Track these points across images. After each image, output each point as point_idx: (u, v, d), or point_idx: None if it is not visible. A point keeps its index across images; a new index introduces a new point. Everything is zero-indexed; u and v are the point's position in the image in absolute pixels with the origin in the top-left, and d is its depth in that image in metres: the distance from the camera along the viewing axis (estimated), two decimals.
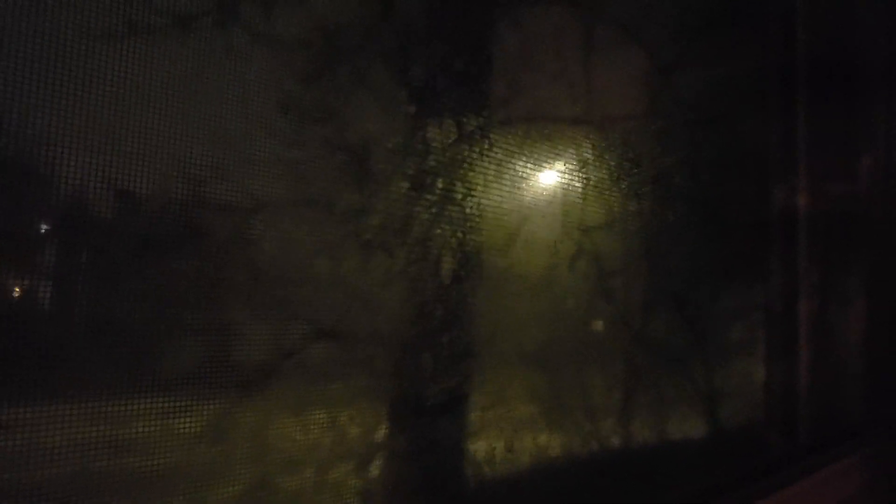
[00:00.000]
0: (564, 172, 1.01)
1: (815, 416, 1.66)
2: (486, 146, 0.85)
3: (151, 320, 0.63)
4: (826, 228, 1.82)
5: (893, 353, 1.84)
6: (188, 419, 0.66)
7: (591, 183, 1.05)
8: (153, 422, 0.64)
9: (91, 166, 0.59)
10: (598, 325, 1.16)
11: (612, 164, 1.09)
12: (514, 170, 0.92)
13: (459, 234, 0.80)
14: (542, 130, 0.97)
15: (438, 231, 0.78)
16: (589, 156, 1.05)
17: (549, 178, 0.99)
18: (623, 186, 1.11)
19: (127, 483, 0.62)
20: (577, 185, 1.02)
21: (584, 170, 1.04)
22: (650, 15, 1.30)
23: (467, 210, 0.83)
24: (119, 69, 0.59)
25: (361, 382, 0.77)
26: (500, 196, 0.89)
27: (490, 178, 0.87)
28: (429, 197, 0.77)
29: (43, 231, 0.58)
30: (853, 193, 2.00)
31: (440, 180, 0.80)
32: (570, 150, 1.03)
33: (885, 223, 2.02)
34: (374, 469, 0.78)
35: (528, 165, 0.94)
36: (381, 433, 0.78)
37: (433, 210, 0.78)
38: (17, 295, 0.57)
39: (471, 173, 0.84)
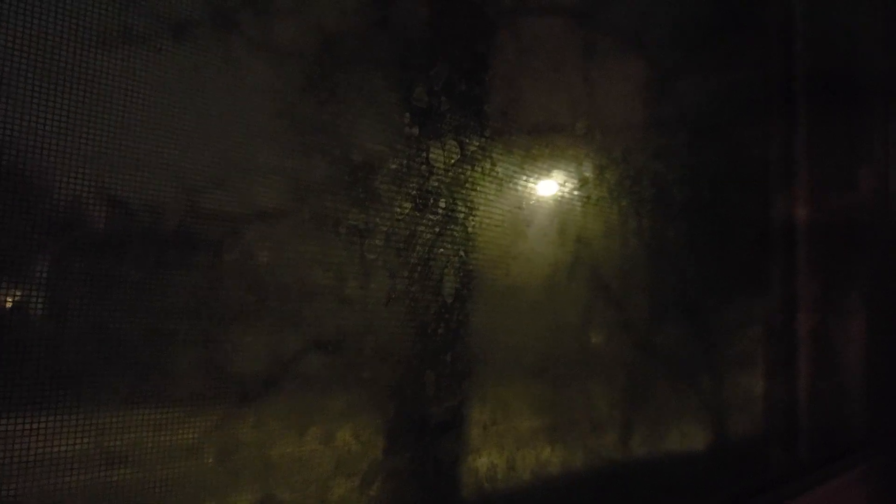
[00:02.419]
0: (564, 187, 1.02)
1: (815, 430, 1.67)
2: (487, 165, 0.86)
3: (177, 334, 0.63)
4: (826, 240, 1.83)
5: (894, 366, 1.84)
6: (193, 432, 0.66)
7: (592, 197, 1.06)
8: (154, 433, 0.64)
9: (89, 178, 0.59)
10: (599, 339, 1.17)
11: (612, 178, 1.10)
12: (515, 185, 0.92)
13: (462, 254, 0.81)
14: (541, 145, 0.98)
15: (441, 250, 0.79)
16: (588, 169, 1.06)
17: (550, 192, 1.00)
18: (623, 200, 1.12)
19: (123, 495, 0.62)
20: (577, 199, 1.03)
21: (583, 185, 1.05)
22: (649, 26, 1.31)
23: (468, 227, 0.84)
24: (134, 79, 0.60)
25: (362, 398, 0.77)
26: (500, 211, 0.90)
27: (490, 193, 0.88)
28: (431, 216, 0.78)
29: (38, 244, 0.58)
30: (853, 205, 2.00)
31: (441, 197, 0.81)
32: (570, 165, 1.04)
33: (884, 235, 2.02)
34: (376, 486, 0.78)
35: (528, 180, 0.95)
36: (382, 450, 0.79)
37: (436, 229, 0.78)
38: (8, 303, 0.57)
39: (470, 184, 0.85)
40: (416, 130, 0.76)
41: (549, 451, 1.03)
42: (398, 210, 0.74)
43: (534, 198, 0.95)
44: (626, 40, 1.26)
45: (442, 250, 0.78)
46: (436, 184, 0.77)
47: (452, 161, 0.80)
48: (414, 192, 0.75)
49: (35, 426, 0.55)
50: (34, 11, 0.54)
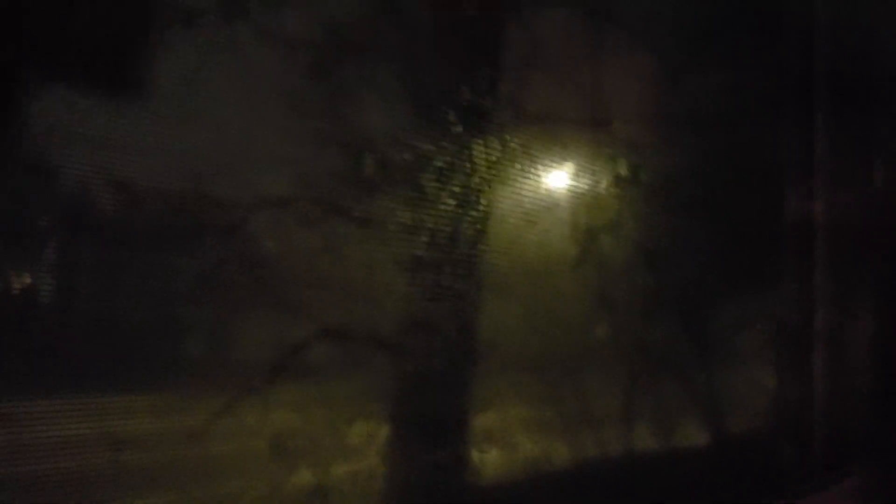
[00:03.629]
0: (600, 184, 1.02)
1: (830, 429, 1.67)
2: (526, 162, 0.86)
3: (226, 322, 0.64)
4: (842, 237, 1.82)
5: None
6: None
7: (628, 194, 1.05)
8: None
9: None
10: (618, 334, 1.17)
11: (646, 175, 1.10)
12: (551, 181, 0.92)
13: (502, 249, 0.81)
14: (577, 142, 0.98)
15: (483, 246, 0.79)
16: (624, 167, 1.06)
17: (587, 189, 1.00)
18: (655, 197, 1.12)
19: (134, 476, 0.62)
20: (613, 196, 1.03)
21: (618, 182, 1.04)
22: (663, 20, 1.30)
23: (508, 223, 0.84)
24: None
25: (373, 384, 0.78)
26: (538, 207, 0.90)
27: (528, 189, 0.88)
28: (473, 213, 0.78)
29: (48, 227, 0.58)
30: (870, 202, 2.00)
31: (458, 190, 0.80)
32: (606, 163, 1.03)
33: None
34: (400, 476, 0.79)
35: (564, 177, 0.95)
36: (416, 442, 0.79)
37: (478, 226, 0.79)
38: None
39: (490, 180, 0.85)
40: (460, 128, 0.76)
41: (557, 446, 1.03)
42: (443, 207, 0.74)
43: (569, 194, 0.95)
44: (640, 32, 1.25)
45: (483, 247, 0.79)
46: (478, 181, 0.77)
47: (494, 158, 0.80)
48: (458, 189, 0.75)
49: (44, 409, 0.56)
50: None
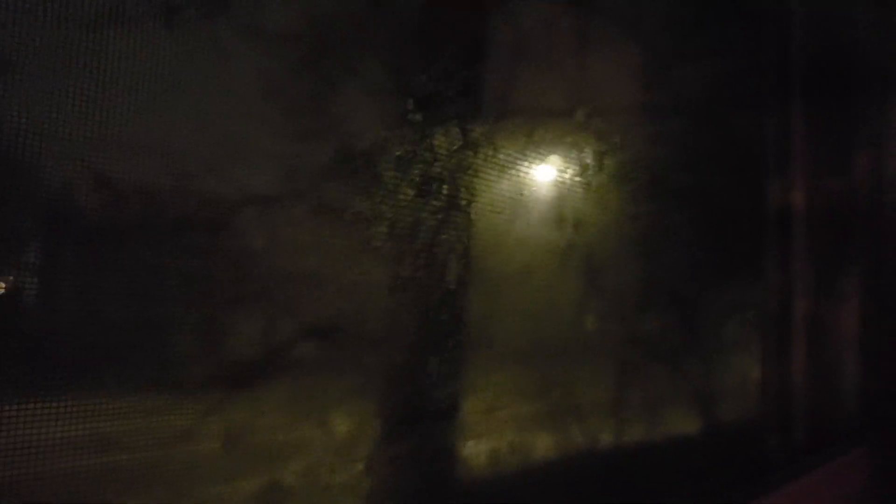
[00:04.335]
0: (564, 173, 1.02)
1: (810, 415, 1.68)
2: (489, 151, 0.85)
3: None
4: (821, 225, 1.83)
5: (889, 352, 1.86)
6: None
7: (592, 183, 1.05)
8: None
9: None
10: (592, 326, 1.17)
11: (611, 164, 1.10)
12: (516, 171, 0.92)
13: (464, 240, 0.81)
14: (542, 130, 0.98)
15: (444, 236, 0.79)
16: (588, 156, 1.06)
17: (551, 178, 1.00)
18: (622, 186, 1.12)
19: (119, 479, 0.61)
20: (578, 185, 1.03)
21: (583, 171, 1.04)
22: (645, 10, 1.30)
23: (470, 213, 0.84)
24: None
25: (356, 380, 0.77)
26: (501, 197, 0.90)
27: (492, 179, 0.88)
28: (434, 202, 0.78)
29: (31, 232, 0.57)
30: (848, 191, 2.01)
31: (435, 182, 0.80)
32: (570, 151, 1.03)
33: (878, 220, 2.03)
34: (378, 471, 0.79)
35: (529, 166, 0.95)
36: (385, 435, 0.79)
37: (439, 215, 0.78)
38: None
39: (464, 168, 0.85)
40: (419, 116, 0.76)
41: (539, 437, 1.03)
42: (402, 196, 0.74)
43: (534, 184, 0.95)
44: (621, 23, 1.26)
45: (445, 237, 0.78)
46: (439, 170, 0.77)
47: (455, 147, 0.80)
48: (418, 178, 0.75)
49: (34, 411, 0.55)
50: None
